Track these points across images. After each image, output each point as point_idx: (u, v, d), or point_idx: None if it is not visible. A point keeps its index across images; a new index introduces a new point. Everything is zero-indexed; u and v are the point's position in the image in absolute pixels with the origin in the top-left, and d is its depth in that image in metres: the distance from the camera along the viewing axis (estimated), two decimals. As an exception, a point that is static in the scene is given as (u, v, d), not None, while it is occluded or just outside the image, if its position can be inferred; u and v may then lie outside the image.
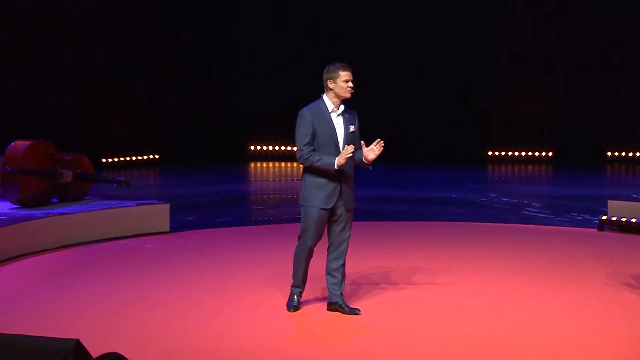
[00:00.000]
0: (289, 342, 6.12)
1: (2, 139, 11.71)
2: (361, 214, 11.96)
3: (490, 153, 19.67)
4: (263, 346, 5.96)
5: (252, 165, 19.61)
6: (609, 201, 10.86)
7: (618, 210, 10.54)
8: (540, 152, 19.55)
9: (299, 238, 6.57)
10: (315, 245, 6.55)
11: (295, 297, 6.72)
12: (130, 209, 10.42)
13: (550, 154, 19.51)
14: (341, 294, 6.65)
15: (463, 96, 19.25)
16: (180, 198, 13.33)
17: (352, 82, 6.40)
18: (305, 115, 6.41)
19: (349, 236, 6.57)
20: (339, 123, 6.44)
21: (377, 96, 19.33)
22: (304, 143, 6.39)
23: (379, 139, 6.38)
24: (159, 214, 10.48)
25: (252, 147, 20.34)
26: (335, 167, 6.31)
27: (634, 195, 13.20)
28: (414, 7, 19.08)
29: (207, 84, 19.90)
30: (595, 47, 18.64)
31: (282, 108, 18.84)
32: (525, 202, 13.11)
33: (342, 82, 6.37)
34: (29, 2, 17.18)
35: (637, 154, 18.98)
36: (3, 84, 16.89)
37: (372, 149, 6.38)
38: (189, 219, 11.63)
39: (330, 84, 6.41)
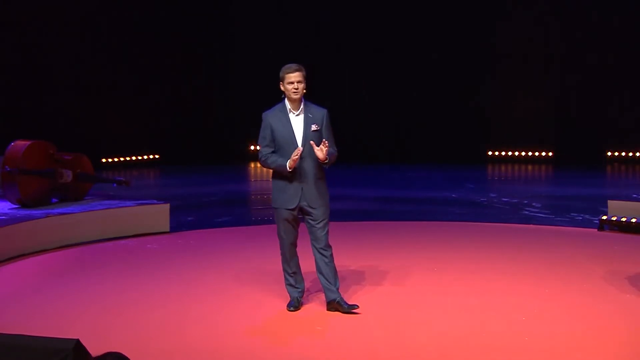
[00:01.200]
0: (289, 342, 6.12)
1: (2, 139, 11.71)
2: (361, 214, 12.00)
3: (490, 153, 19.67)
4: (263, 346, 5.96)
5: (252, 165, 19.61)
6: (609, 201, 10.86)
7: (618, 210, 10.53)
8: (540, 152, 19.55)
9: (279, 242, 6.79)
10: (293, 244, 6.72)
11: (295, 297, 6.78)
12: (130, 209, 10.42)
13: (550, 154, 19.51)
14: (337, 290, 6.66)
15: (463, 96, 19.25)
16: (180, 198, 13.34)
17: (299, 82, 6.47)
18: (264, 119, 6.65)
19: (326, 236, 6.64)
20: (297, 123, 6.56)
21: (377, 96, 19.36)
22: (262, 145, 6.63)
23: (324, 140, 6.42)
24: (159, 214, 10.48)
25: (252, 147, 20.34)
26: (288, 168, 6.46)
27: (634, 195, 13.20)
28: (413, 7, 19.09)
29: (207, 84, 19.91)
30: (595, 47, 18.64)
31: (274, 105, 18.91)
32: (525, 202, 13.11)
33: (287, 84, 6.53)
34: (29, 2, 17.19)
35: (637, 154, 18.97)
36: (3, 84, 16.89)
37: (319, 148, 6.42)
38: (189, 219, 11.64)
39: (281, 87, 6.60)
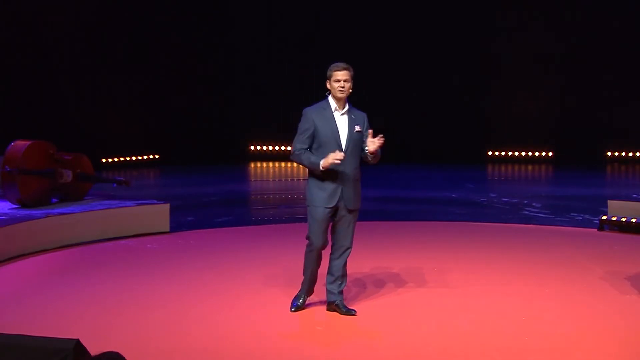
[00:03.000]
0: (289, 342, 6.12)
1: (2, 139, 11.71)
2: (361, 214, 11.94)
3: (490, 153, 19.68)
4: (263, 346, 5.96)
5: (252, 165, 19.61)
6: (609, 201, 10.86)
7: (618, 210, 10.54)
8: (540, 152, 19.56)
9: (307, 239, 6.58)
10: (323, 246, 6.55)
11: (302, 297, 6.74)
12: (130, 209, 10.42)
13: (550, 154, 19.51)
14: (339, 292, 6.66)
15: (463, 96, 19.25)
16: (180, 198, 13.34)
17: (347, 81, 6.43)
18: (307, 114, 6.51)
19: (352, 237, 6.59)
20: (342, 122, 6.49)
21: (377, 96, 19.35)
22: (299, 141, 6.50)
23: (381, 134, 6.43)
24: (159, 214, 10.48)
25: (252, 147, 20.34)
26: (321, 167, 6.37)
27: (634, 195, 13.21)
28: (413, 7, 19.09)
29: (207, 84, 19.91)
30: (595, 47, 18.64)
31: (282, 108, 18.92)
32: (525, 202, 13.11)
33: (334, 82, 6.47)
34: (29, 2, 17.19)
35: (637, 154, 18.98)
36: (3, 84, 16.89)
37: (372, 141, 6.43)
38: (189, 219, 11.63)
39: (328, 85, 6.53)
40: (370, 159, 6.59)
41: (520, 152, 19.63)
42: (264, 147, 20.30)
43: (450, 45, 19.11)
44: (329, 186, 6.45)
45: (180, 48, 19.55)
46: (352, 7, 19.34)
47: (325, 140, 6.44)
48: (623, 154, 19.05)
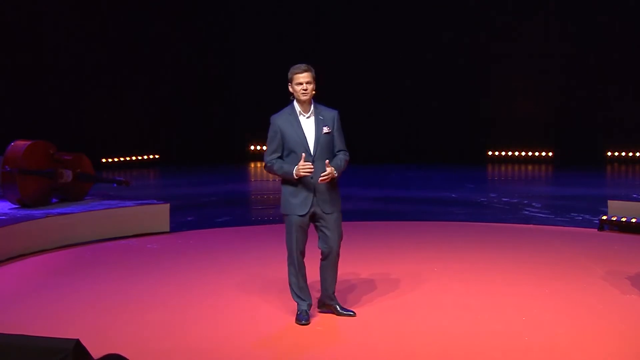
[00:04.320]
0: (289, 342, 6.12)
1: (2, 139, 11.72)
2: (361, 214, 11.99)
3: (490, 153, 19.67)
4: (263, 346, 5.96)
5: (252, 165, 19.61)
6: (609, 201, 10.86)
7: (618, 210, 10.53)
8: (540, 152, 19.55)
9: (286, 249, 6.42)
10: (302, 253, 6.39)
11: (304, 310, 6.44)
12: (130, 209, 10.42)
13: (550, 154, 19.51)
14: (333, 293, 6.56)
15: (463, 96, 19.24)
16: (180, 198, 13.34)
17: (309, 83, 6.24)
18: (273, 123, 6.37)
19: (340, 239, 6.44)
20: (308, 126, 6.32)
21: (376, 96, 19.34)
22: (269, 151, 6.38)
23: (329, 172, 6.18)
24: (159, 214, 10.48)
25: (252, 147, 20.34)
26: (295, 176, 6.23)
27: (634, 195, 13.20)
28: (413, 7, 19.08)
29: (207, 84, 19.91)
30: (595, 47, 18.64)
31: (283, 108, 18.93)
32: (525, 202, 13.11)
33: (295, 85, 6.27)
34: (29, 2, 17.19)
35: (637, 154, 18.98)
36: (3, 84, 16.90)
37: (324, 177, 6.19)
38: (189, 219, 11.64)
39: (290, 88, 6.34)
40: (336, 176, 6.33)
41: (520, 152, 19.62)
42: (264, 147, 20.26)
43: (450, 45, 19.10)
44: (301, 193, 6.29)
45: (180, 48, 19.54)
46: (352, 8, 19.32)
47: (293, 146, 6.28)
48: (623, 154, 19.04)
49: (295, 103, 6.37)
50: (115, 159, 18.86)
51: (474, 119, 19.29)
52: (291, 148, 6.30)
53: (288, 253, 6.40)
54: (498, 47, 19.22)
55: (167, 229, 10.47)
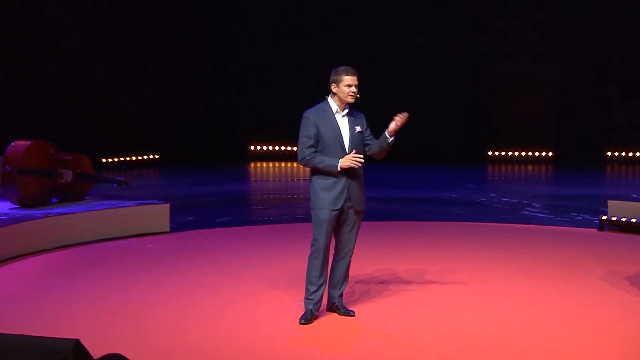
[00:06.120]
0: (289, 342, 6.11)
1: (2, 139, 11.71)
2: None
3: (490, 153, 19.68)
4: (263, 346, 5.96)
5: (252, 165, 19.61)
6: (609, 201, 10.86)
7: (618, 210, 10.53)
8: (540, 152, 19.56)
9: (312, 243, 6.40)
10: (328, 249, 6.42)
11: (309, 311, 6.40)
12: (130, 209, 10.42)
13: (550, 154, 19.51)
14: (340, 295, 6.62)
15: (463, 96, 19.25)
16: (180, 198, 13.34)
17: (357, 87, 6.40)
18: (309, 117, 6.41)
19: (356, 238, 6.55)
20: (344, 124, 6.45)
21: (376, 96, 19.34)
22: (306, 145, 6.38)
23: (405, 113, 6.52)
24: (159, 214, 10.48)
25: (252, 147, 20.35)
26: (339, 168, 6.33)
27: (634, 195, 13.21)
28: (413, 7, 19.08)
29: (207, 84, 19.92)
30: (595, 47, 18.64)
31: (283, 108, 18.92)
32: (525, 202, 13.11)
33: (344, 86, 6.37)
34: (29, 2, 17.18)
35: (637, 154, 18.98)
36: (3, 84, 16.89)
37: (394, 119, 6.46)
38: (189, 219, 11.63)
39: (334, 88, 6.42)
40: (375, 153, 6.59)
41: (520, 152, 19.63)
42: (264, 147, 20.30)
43: (450, 45, 19.10)
44: (336, 187, 6.38)
45: (180, 48, 19.53)
46: (352, 9, 19.33)
47: (328, 142, 6.38)
48: (623, 154, 19.05)
49: (330, 100, 6.48)
50: (115, 159, 18.86)
51: (474, 119, 19.29)
52: (326, 144, 6.39)
53: (314, 248, 6.39)
54: (498, 47, 19.22)
55: (167, 229, 10.46)
